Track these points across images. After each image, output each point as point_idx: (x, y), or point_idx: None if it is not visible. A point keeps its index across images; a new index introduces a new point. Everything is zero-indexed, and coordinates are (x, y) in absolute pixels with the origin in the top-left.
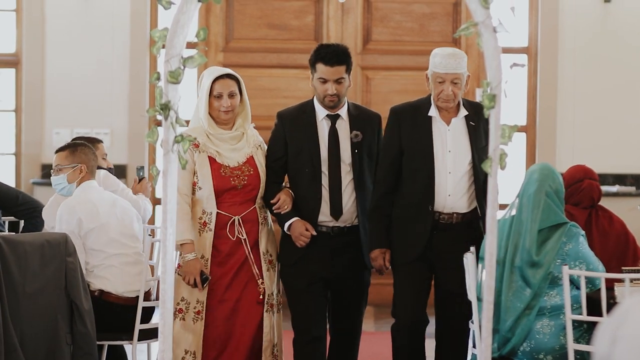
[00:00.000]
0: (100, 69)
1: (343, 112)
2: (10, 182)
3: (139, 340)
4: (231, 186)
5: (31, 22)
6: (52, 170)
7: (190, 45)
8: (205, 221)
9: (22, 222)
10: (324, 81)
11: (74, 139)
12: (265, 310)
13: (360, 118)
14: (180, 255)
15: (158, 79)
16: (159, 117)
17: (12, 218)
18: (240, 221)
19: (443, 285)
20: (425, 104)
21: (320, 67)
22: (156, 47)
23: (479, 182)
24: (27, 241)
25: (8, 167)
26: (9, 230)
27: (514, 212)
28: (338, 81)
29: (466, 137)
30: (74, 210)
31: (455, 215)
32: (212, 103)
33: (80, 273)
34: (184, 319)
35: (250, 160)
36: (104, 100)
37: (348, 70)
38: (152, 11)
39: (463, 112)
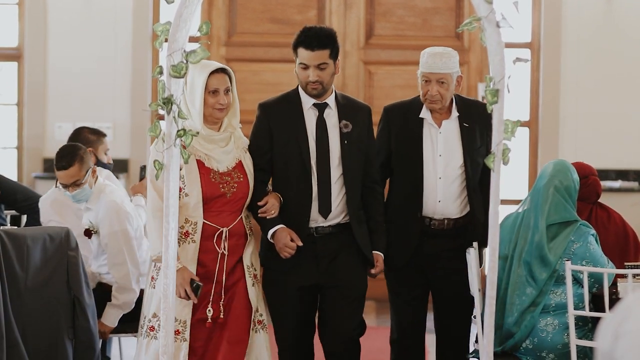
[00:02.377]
0: (102, 62)
1: (331, 100)
2: (12, 176)
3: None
4: (220, 194)
5: (33, 16)
6: (64, 185)
7: (192, 39)
8: (187, 231)
9: (24, 217)
10: (305, 67)
11: (77, 129)
12: (251, 327)
13: (349, 108)
14: (155, 266)
15: (161, 72)
16: (162, 111)
17: (14, 212)
18: (227, 234)
19: (440, 290)
20: (417, 103)
21: (301, 51)
22: (159, 41)
23: (472, 186)
24: (29, 235)
25: (10, 161)
26: (11, 224)
27: (526, 207)
28: (320, 67)
29: (458, 140)
30: (123, 208)
31: (446, 221)
32: (206, 100)
33: (82, 267)
34: (155, 337)
35: (239, 166)
36: (106, 94)
37: (333, 55)
38: (155, 5)
39: (455, 113)
